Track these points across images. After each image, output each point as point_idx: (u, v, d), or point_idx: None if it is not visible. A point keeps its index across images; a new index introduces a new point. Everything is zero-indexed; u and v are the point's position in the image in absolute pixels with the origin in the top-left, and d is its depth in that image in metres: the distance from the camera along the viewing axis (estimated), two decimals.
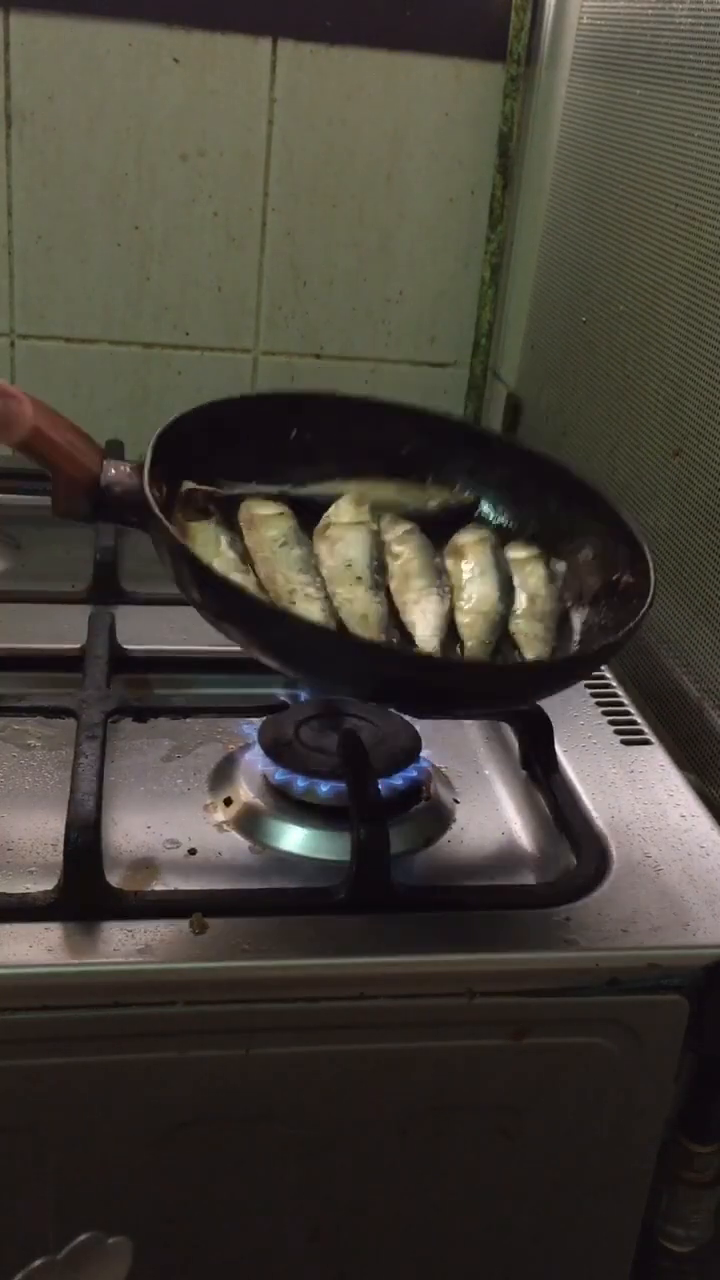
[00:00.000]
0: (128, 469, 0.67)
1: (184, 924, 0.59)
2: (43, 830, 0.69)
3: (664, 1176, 0.67)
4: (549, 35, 1.19)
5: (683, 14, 0.88)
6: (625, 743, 0.80)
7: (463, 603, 0.71)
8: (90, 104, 1.19)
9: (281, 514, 0.73)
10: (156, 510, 0.63)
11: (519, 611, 0.71)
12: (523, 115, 1.25)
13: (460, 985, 0.59)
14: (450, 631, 0.69)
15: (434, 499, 0.78)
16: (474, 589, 0.71)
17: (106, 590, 0.93)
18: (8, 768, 0.75)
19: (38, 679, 0.81)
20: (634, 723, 0.83)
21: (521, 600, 0.71)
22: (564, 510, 0.74)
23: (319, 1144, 0.62)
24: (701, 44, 0.84)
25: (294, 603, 0.67)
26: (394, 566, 0.72)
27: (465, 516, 0.77)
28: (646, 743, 0.81)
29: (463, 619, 0.70)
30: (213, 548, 0.69)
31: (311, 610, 0.66)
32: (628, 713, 0.84)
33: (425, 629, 0.68)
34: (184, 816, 0.71)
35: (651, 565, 0.67)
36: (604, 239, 1.02)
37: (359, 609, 0.68)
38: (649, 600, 0.64)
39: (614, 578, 0.69)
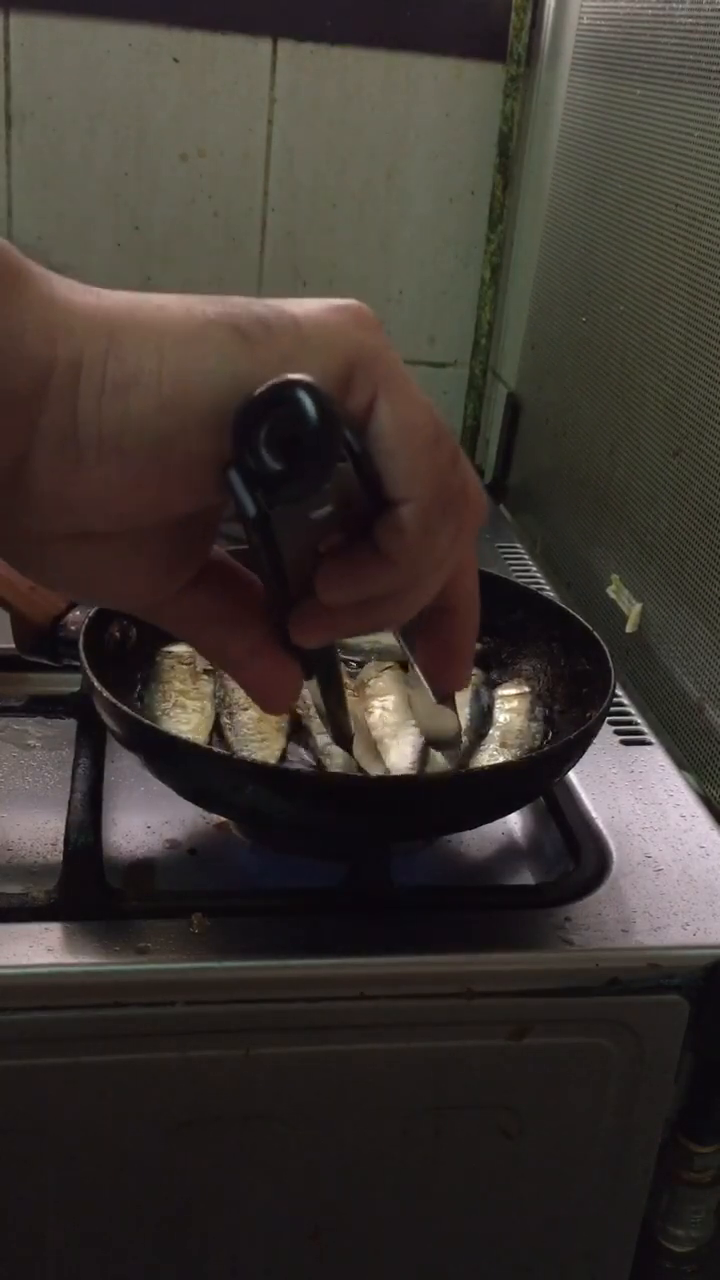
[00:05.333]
0: (91, 614, 0.68)
1: (184, 924, 0.59)
2: (43, 830, 0.69)
3: (664, 1176, 0.67)
4: (549, 35, 1.19)
5: (683, 14, 0.87)
6: (625, 743, 0.80)
7: None
8: (90, 104, 1.19)
9: None
10: (87, 668, 0.64)
11: (490, 743, 0.71)
12: (523, 115, 1.25)
13: (460, 985, 0.59)
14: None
15: None
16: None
17: None
18: (8, 768, 0.75)
19: (38, 679, 0.81)
20: (634, 723, 0.83)
21: (495, 735, 0.72)
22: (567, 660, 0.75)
23: (319, 1144, 0.62)
24: (701, 44, 0.84)
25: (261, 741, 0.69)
26: (373, 705, 0.73)
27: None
28: (646, 743, 0.81)
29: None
30: (186, 682, 0.72)
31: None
32: (628, 713, 0.84)
33: (401, 759, 0.68)
34: (184, 816, 0.70)
35: (613, 682, 0.67)
36: (604, 239, 1.02)
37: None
38: (606, 704, 0.65)
39: (585, 714, 0.69)
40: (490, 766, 0.69)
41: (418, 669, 0.41)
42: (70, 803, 0.64)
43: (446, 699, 0.44)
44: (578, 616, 0.74)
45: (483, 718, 0.73)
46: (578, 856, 0.67)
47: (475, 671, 0.76)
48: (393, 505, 0.34)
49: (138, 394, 0.31)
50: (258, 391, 0.30)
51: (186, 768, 0.62)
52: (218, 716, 0.71)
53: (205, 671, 0.74)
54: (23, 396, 0.30)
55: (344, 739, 0.42)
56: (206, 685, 0.73)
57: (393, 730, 0.71)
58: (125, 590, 0.36)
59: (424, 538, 0.34)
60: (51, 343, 0.31)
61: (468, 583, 0.38)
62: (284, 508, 0.31)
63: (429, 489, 0.33)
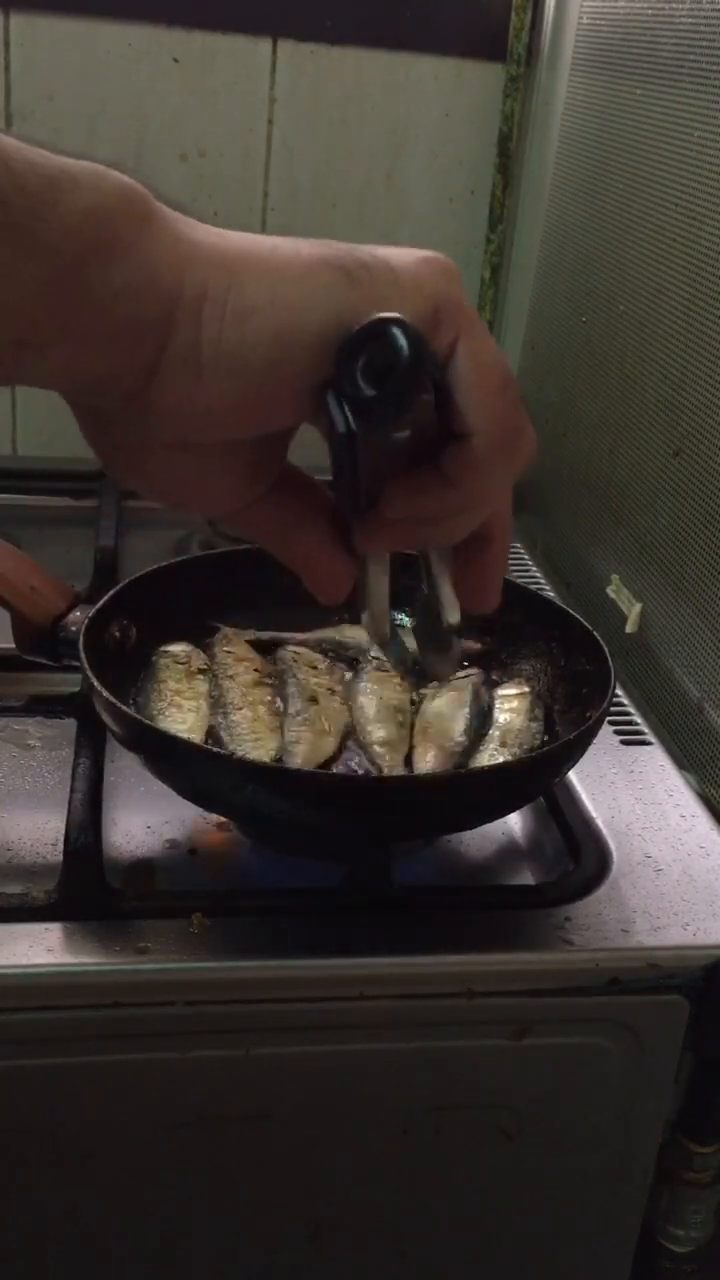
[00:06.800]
0: (91, 614, 0.69)
1: (184, 924, 0.59)
2: (43, 830, 0.69)
3: (664, 1176, 0.67)
4: (549, 35, 1.19)
5: (683, 14, 0.87)
6: (625, 743, 0.80)
7: (427, 734, 0.71)
8: (90, 104, 1.18)
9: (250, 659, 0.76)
10: (87, 668, 0.64)
11: (490, 743, 0.71)
12: (523, 115, 1.25)
13: (460, 985, 0.59)
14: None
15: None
16: (441, 724, 0.72)
17: (107, 590, 0.93)
18: (8, 768, 0.75)
19: (38, 679, 0.81)
20: (634, 723, 0.83)
21: (495, 735, 0.72)
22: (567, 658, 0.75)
23: (319, 1144, 0.62)
24: (701, 44, 0.84)
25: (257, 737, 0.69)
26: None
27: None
28: (646, 743, 0.81)
29: (423, 753, 0.70)
30: (181, 682, 0.72)
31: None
32: (628, 713, 0.84)
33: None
34: (184, 816, 0.70)
35: (613, 682, 0.67)
36: (604, 239, 1.02)
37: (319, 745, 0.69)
38: (606, 703, 0.65)
39: (585, 714, 0.69)
40: (490, 766, 0.69)
41: (444, 593, 0.45)
42: (70, 803, 0.64)
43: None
44: (578, 616, 0.74)
45: (483, 718, 0.73)
46: (578, 856, 0.67)
47: (475, 671, 0.76)
48: (463, 436, 0.38)
49: (255, 323, 0.35)
50: (359, 326, 0.35)
51: (186, 768, 0.62)
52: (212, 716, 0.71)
53: (199, 671, 0.74)
54: (155, 321, 0.35)
55: (382, 640, 0.47)
56: (201, 684, 0.73)
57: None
58: (213, 497, 0.41)
59: (486, 467, 0.39)
60: (180, 275, 0.35)
61: (504, 515, 0.43)
62: (371, 429, 0.36)
63: (496, 425, 0.38)
